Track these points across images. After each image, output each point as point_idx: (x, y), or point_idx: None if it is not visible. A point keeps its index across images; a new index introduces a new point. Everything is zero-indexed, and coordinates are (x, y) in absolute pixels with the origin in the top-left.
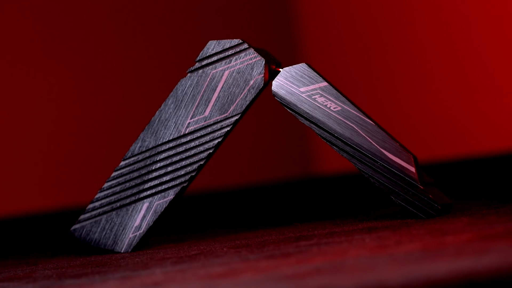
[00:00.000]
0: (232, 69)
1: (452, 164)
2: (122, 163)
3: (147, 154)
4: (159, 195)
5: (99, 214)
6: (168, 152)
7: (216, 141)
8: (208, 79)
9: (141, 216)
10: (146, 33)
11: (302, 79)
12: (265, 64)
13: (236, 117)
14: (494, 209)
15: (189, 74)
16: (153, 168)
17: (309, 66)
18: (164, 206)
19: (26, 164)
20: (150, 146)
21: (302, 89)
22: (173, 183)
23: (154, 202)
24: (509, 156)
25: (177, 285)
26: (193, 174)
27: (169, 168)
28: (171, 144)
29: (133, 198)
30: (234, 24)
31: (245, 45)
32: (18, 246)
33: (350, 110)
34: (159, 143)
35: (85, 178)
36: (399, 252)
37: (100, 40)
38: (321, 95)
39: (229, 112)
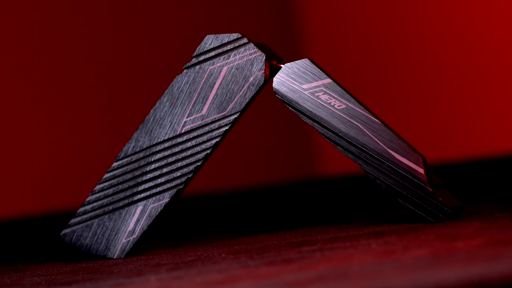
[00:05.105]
0: (231, 65)
1: (463, 165)
2: (115, 164)
3: (141, 154)
4: (153, 198)
5: (91, 218)
6: (163, 153)
7: (214, 141)
8: (206, 75)
9: (135, 220)
10: (141, 27)
11: (304, 75)
12: (265, 59)
13: (235, 116)
14: (507, 213)
15: (185, 70)
16: (148, 169)
17: (312, 62)
18: (159, 210)
19: (13, 165)
20: (144, 146)
21: (304, 86)
22: (168, 185)
23: (149, 205)
24: None
25: None
26: (189, 175)
27: (165, 170)
28: (166, 144)
29: (126, 201)
30: (232, 17)
31: (245, 40)
32: (5, 251)
33: (355, 108)
34: (154, 143)
35: (75, 180)
36: (407, 258)
37: (91, 35)
38: (325, 93)
39: (227, 110)
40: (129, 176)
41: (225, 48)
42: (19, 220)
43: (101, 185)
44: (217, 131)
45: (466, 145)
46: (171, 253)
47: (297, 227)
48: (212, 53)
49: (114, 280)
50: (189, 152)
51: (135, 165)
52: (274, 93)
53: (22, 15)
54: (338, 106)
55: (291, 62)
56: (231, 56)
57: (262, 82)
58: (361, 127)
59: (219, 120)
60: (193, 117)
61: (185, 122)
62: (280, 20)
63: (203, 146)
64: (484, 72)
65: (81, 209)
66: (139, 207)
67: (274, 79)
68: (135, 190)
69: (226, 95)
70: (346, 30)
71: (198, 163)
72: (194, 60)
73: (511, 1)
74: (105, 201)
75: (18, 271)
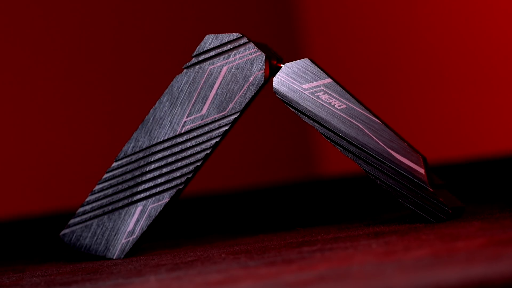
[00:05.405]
0: (231, 64)
1: (464, 165)
2: (114, 164)
3: (140, 154)
4: (153, 198)
5: (90, 218)
6: (163, 153)
7: (213, 141)
8: (206, 75)
9: (135, 220)
10: (140, 26)
11: (304, 75)
12: (265, 59)
13: (235, 116)
14: (508, 213)
15: (185, 70)
16: (147, 169)
17: (312, 61)
18: (159, 210)
19: (13, 165)
20: (144, 146)
21: (304, 86)
22: (168, 185)
23: (148, 206)
24: None
25: None
26: (189, 175)
27: (164, 170)
28: (166, 144)
29: (126, 201)
30: (232, 17)
31: (245, 40)
32: (4, 252)
33: (356, 108)
34: (154, 143)
35: (75, 180)
36: (408, 258)
37: (91, 36)
38: (325, 92)
39: (227, 110)
40: (128, 176)
41: (225, 48)
42: (19, 220)
43: (100, 185)
44: (217, 131)
45: (467, 145)
46: (171, 254)
47: (297, 228)
48: (212, 53)
49: (114, 280)
50: (189, 152)
51: (135, 165)
52: (274, 93)
53: (22, 15)
54: (339, 106)
55: (291, 62)
56: (231, 56)
57: (262, 82)
58: (362, 127)
59: (219, 120)
60: (193, 117)
61: (185, 122)
62: (280, 20)
63: (203, 146)
64: (484, 72)
65: (81, 209)
66: (139, 207)
67: (274, 78)
68: (134, 190)
69: (226, 95)
70: (346, 30)
71: (198, 163)
72: (194, 60)
73: (511, 1)
74: (104, 201)
75: (17, 272)
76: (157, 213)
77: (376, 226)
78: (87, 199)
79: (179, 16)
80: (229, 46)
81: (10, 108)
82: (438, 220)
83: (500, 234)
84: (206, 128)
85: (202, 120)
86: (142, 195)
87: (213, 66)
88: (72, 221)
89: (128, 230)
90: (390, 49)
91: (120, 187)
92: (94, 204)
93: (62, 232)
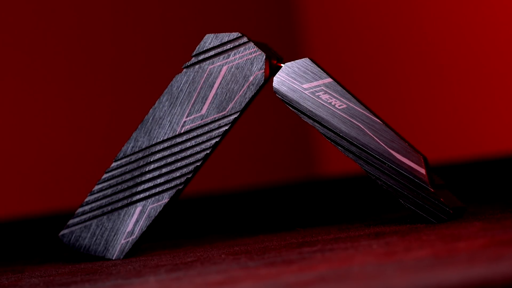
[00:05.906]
0: (231, 64)
1: (465, 165)
2: (114, 164)
3: (140, 154)
4: (153, 199)
5: (89, 219)
6: (162, 153)
7: (213, 141)
8: (205, 75)
9: (134, 221)
10: (140, 26)
11: (305, 75)
12: (265, 59)
13: (235, 116)
14: (509, 213)
15: (185, 70)
16: (147, 169)
17: (313, 61)
18: (158, 210)
19: (13, 165)
20: (144, 146)
21: (305, 86)
22: (168, 185)
23: (148, 206)
24: None
25: None
26: (189, 176)
27: (164, 170)
28: (165, 144)
29: (125, 202)
30: (232, 17)
31: (245, 39)
32: (3, 252)
33: (356, 108)
34: (153, 143)
35: (74, 181)
36: (408, 259)
37: (91, 35)
38: (325, 92)
39: (227, 110)
40: (128, 176)
41: (224, 47)
42: (18, 221)
43: (100, 186)
44: (217, 131)
45: (468, 145)
46: (171, 254)
47: (298, 228)
48: (212, 53)
49: (113, 281)
50: (188, 152)
51: (134, 165)
52: (274, 92)
53: (22, 14)
54: (339, 106)
55: (292, 62)
56: (231, 56)
57: (262, 81)
58: (362, 127)
59: (218, 120)
60: (192, 117)
61: (185, 122)
62: (280, 20)
63: (203, 146)
64: (484, 72)
65: (80, 210)
66: (138, 208)
67: (274, 78)
68: (134, 190)
69: (226, 95)
70: (346, 29)
71: (198, 163)
72: (193, 60)
73: (511, 1)
74: (104, 201)
75: (16, 272)
76: (157, 214)
77: (377, 227)
78: (86, 199)
79: (179, 16)
80: (229, 45)
81: (10, 108)
82: (439, 221)
83: (501, 235)
84: (206, 128)
85: (202, 120)
86: (142, 195)
87: (212, 66)
88: (71, 221)
89: (127, 230)
90: (390, 49)
91: (119, 187)
92: (93, 205)
93: (61, 233)
